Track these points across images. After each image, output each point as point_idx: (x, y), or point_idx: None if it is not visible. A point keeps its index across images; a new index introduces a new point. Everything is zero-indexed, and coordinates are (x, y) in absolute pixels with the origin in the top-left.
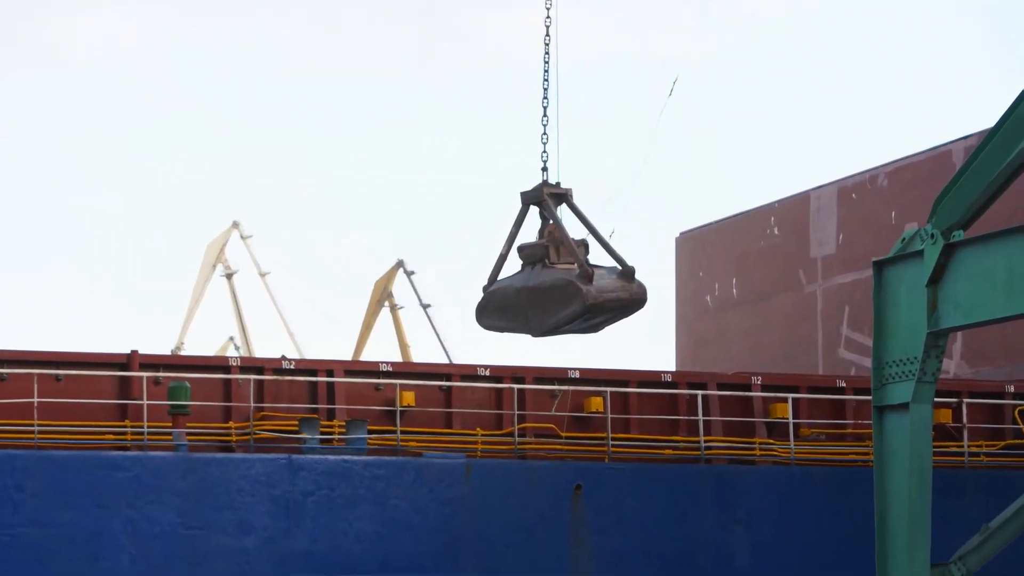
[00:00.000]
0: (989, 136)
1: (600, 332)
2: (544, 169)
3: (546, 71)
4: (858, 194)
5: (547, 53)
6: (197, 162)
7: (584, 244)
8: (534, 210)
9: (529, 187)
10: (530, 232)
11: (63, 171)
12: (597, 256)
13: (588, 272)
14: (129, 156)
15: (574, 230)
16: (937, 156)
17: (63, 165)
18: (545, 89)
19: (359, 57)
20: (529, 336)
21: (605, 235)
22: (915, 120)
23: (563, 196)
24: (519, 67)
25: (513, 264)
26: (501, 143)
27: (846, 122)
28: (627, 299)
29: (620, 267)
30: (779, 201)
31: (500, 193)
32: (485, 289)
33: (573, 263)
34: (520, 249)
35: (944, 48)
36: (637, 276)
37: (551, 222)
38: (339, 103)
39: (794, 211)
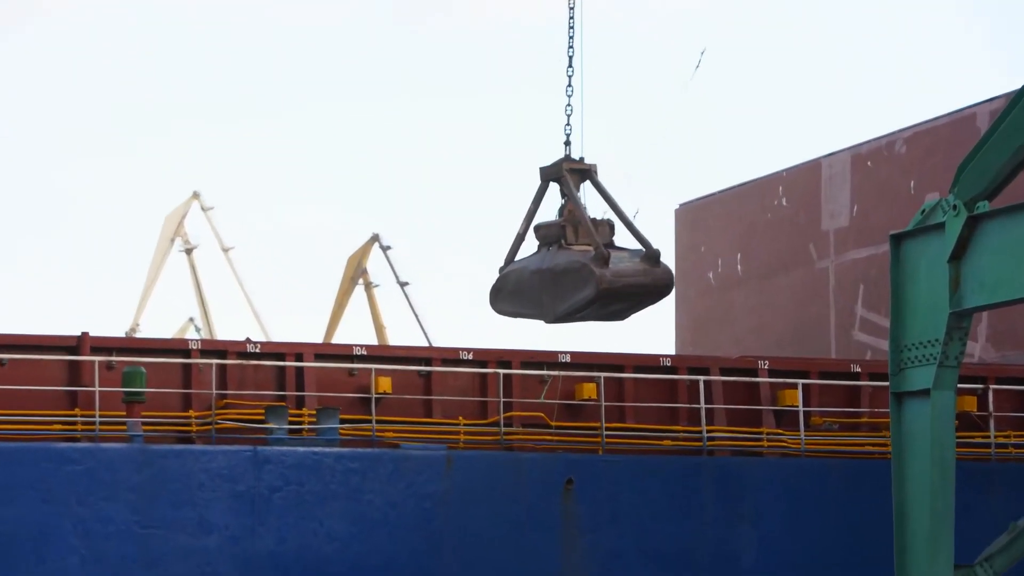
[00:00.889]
0: (1016, 98)
1: (625, 320)
2: (567, 143)
3: (571, 37)
4: (874, 161)
5: (571, 18)
6: (155, 128)
7: (608, 224)
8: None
9: (549, 162)
10: (551, 210)
11: (8, 139)
12: (624, 238)
13: (604, 254)
14: (80, 121)
15: (599, 209)
16: (960, 120)
17: (8, 133)
18: (570, 57)
19: (333, 19)
20: (543, 323)
21: (630, 215)
22: (937, 81)
23: (586, 172)
24: (507, 32)
25: (532, 245)
26: (487, 110)
27: (861, 83)
28: (648, 284)
29: (644, 250)
30: (788, 169)
31: (484, 162)
32: (501, 271)
33: (591, 245)
34: (536, 229)
35: (970, 5)
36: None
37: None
38: (310, 67)
39: (804, 180)
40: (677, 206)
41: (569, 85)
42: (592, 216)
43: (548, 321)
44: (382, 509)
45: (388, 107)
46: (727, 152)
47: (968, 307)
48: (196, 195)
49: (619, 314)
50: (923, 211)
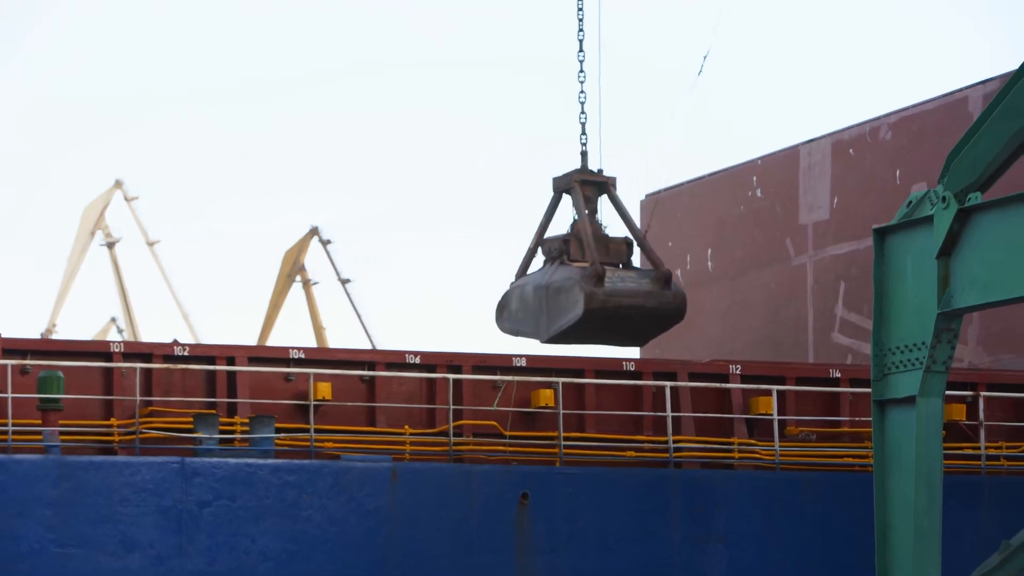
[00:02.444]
0: (1012, 80)
1: (642, 345)
2: (583, 154)
3: (581, 40)
4: (856, 149)
5: (581, 19)
6: (75, 111)
7: (626, 242)
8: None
9: (561, 172)
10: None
11: None
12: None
13: (599, 272)
14: None
15: (617, 226)
16: (950, 104)
17: None
18: (581, 62)
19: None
20: (538, 342)
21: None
22: (925, 62)
23: (602, 185)
24: (459, 9)
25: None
26: (437, 94)
27: (843, 64)
28: (652, 308)
29: (654, 270)
30: (763, 157)
31: (435, 148)
32: (511, 286)
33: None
34: (542, 243)
35: None
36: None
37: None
38: (244, 48)
39: (780, 169)
40: (643, 196)
41: (582, 91)
42: (608, 234)
43: (542, 341)
44: (321, 526)
45: (328, 90)
46: (698, 138)
47: (958, 307)
48: (119, 184)
49: (623, 338)
50: (909, 203)
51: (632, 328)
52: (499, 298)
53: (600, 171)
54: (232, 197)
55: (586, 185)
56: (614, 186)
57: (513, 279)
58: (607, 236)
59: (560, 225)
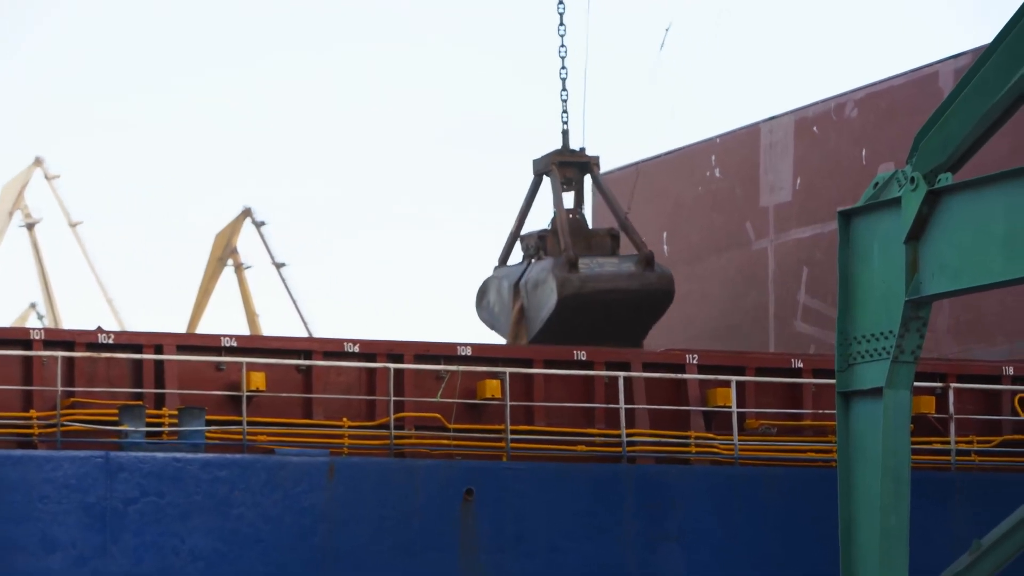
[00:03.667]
0: (985, 55)
1: (639, 343)
2: (563, 133)
3: (561, 13)
4: (820, 127)
5: None
6: None
7: (611, 234)
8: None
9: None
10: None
11: None
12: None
13: (571, 257)
14: None
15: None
16: (920, 80)
17: None
18: (562, 36)
19: None
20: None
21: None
22: (893, 35)
23: (584, 166)
24: None
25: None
26: (372, 67)
27: (807, 38)
28: (635, 291)
29: (636, 253)
30: (721, 136)
31: (373, 125)
32: (495, 271)
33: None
34: (520, 239)
35: None
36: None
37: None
38: (175, 23)
39: (740, 148)
40: None
41: (563, 67)
42: (590, 226)
43: (513, 344)
44: (254, 524)
45: (262, 63)
46: (652, 114)
47: (927, 294)
48: (39, 161)
49: (613, 334)
50: (876, 184)
51: (619, 319)
52: (480, 284)
53: (582, 150)
54: (160, 176)
55: (567, 167)
56: (597, 165)
57: (496, 264)
58: (588, 228)
59: (546, 208)
